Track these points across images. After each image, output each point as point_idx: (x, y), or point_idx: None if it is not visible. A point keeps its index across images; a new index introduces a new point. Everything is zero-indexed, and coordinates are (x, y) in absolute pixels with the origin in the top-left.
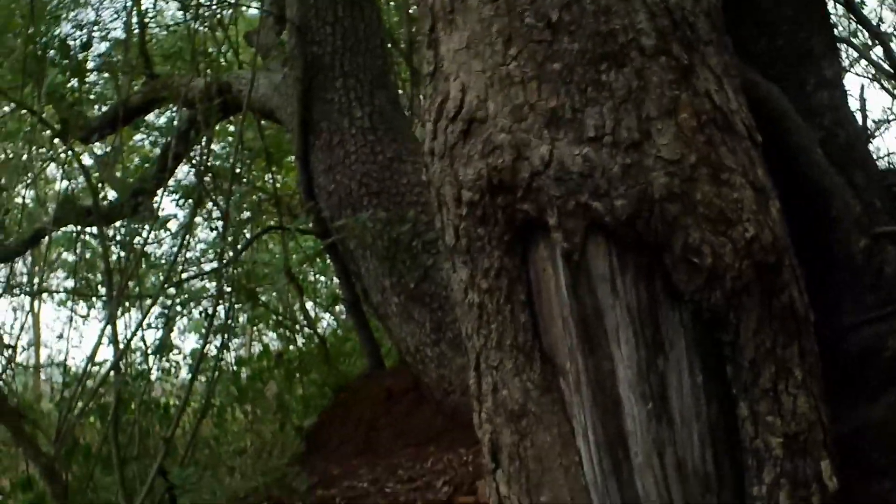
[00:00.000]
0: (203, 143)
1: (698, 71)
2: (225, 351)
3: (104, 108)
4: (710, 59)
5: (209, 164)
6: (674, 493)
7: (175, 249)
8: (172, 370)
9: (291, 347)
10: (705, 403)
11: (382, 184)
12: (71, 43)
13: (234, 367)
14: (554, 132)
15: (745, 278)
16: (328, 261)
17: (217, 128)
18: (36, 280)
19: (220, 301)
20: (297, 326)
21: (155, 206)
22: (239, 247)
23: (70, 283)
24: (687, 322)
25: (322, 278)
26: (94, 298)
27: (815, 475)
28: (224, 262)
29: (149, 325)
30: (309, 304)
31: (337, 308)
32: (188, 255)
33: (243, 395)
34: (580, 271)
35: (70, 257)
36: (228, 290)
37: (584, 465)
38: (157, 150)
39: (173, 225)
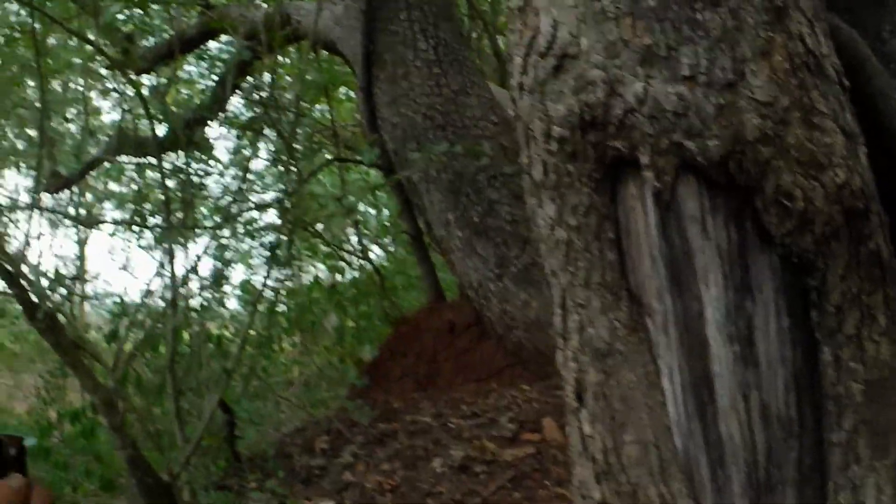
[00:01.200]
0: (264, 73)
1: (791, 13)
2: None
3: (155, 41)
4: (803, 2)
5: (272, 93)
6: (757, 436)
7: (229, 181)
8: (223, 301)
9: (339, 278)
10: (791, 348)
11: (448, 117)
12: None
13: (285, 299)
14: (648, 69)
15: (835, 224)
16: (378, 194)
17: (268, 62)
18: (88, 210)
19: (284, 233)
20: (350, 258)
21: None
22: (304, 176)
23: (118, 215)
24: (776, 265)
25: (373, 211)
26: (145, 230)
27: (895, 423)
28: (288, 192)
29: (211, 255)
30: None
31: (386, 241)
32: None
33: (292, 327)
34: (670, 211)
35: (118, 188)
36: (289, 222)
37: (668, 406)
38: (207, 83)
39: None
